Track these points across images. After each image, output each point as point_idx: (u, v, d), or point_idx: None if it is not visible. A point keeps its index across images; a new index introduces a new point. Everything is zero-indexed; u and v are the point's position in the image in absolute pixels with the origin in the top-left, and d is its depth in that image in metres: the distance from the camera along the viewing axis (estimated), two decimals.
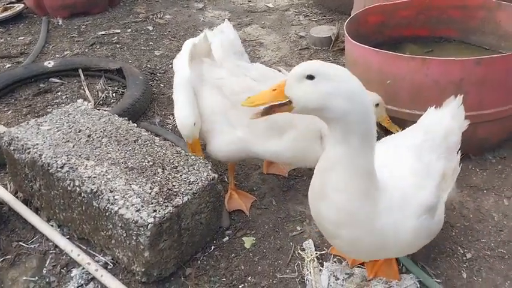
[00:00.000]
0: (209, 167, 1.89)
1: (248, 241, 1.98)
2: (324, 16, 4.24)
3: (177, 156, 1.95)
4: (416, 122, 2.27)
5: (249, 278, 1.80)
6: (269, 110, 1.31)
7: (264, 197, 2.22)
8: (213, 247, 1.94)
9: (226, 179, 2.31)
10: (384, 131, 2.17)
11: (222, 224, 2.03)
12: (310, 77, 1.24)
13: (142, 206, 1.68)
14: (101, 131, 2.09)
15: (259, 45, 3.80)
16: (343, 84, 1.24)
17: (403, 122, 2.34)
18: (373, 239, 1.43)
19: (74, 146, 1.97)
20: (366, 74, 2.37)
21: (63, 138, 2.03)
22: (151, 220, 1.63)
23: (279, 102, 1.29)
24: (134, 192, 1.74)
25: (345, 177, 1.34)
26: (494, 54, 2.13)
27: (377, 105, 2.03)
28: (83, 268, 1.85)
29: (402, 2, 2.73)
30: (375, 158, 1.38)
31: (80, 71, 3.32)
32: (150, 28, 4.14)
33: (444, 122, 1.81)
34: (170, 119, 2.84)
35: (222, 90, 1.98)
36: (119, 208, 1.68)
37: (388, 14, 2.77)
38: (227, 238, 1.99)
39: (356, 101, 1.25)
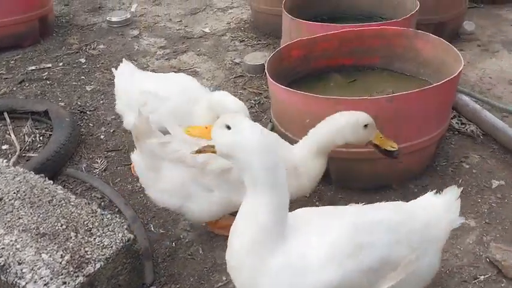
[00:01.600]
0: (125, 227, 1.86)
1: None
2: (259, 41, 4.27)
3: (92, 216, 1.90)
4: (336, 157, 2.34)
5: None
6: (202, 149, 1.49)
7: (192, 245, 2.20)
8: None
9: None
10: (381, 153, 2.07)
11: (145, 281, 1.99)
12: (229, 127, 1.42)
13: (51, 279, 1.63)
14: (14, 193, 2.02)
15: (194, 74, 3.77)
16: (251, 140, 1.37)
17: None
18: None
19: None
20: (287, 112, 2.41)
21: None
22: None
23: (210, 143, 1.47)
24: (44, 263, 1.68)
25: (244, 224, 1.42)
26: (405, 92, 2.19)
27: (366, 126, 1.99)
28: None
29: (323, 36, 2.78)
30: (284, 217, 1.42)
31: (6, 114, 3.20)
32: (83, 60, 4.05)
33: (433, 209, 1.65)
34: (98, 162, 2.78)
35: (184, 162, 1.95)
36: (27, 283, 1.62)
37: (310, 47, 2.80)
38: None
39: (260, 156, 1.36)
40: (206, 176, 1.96)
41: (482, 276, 1.96)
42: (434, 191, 1.73)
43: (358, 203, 2.24)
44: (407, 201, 2.30)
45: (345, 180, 2.43)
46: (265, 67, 2.49)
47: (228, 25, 4.67)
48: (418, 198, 1.74)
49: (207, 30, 4.57)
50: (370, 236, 1.47)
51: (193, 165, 1.94)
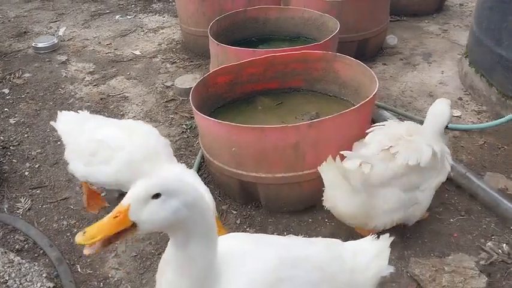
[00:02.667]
0: (44, 275, 1.80)
1: None
2: (191, 61, 4.27)
3: (9, 266, 1.83)
4: (264, 183, 2.39)
5: None
6: (110, 239, 1.22)
7: (120, 284, 2.16)
8: None
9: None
10: None
11: None
12: (156, 196, 1.21)
13: None
14: None
15: (123, 99, 3.72)
16: (188, 195, 1.25)
17: (252, 185, 2.43)
18: None
19: None
20: (214, 141, 2.42)
21: None
22: None
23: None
24: None
25: (180, 276, 1.35)
26: (323, 117, 2.27)
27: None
28: None
29: (247, 61, 2.82)
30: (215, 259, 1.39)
31: None
32: (6, 91, 3.88)
33: (363, 255, 1.63)
34: (21, 201, 2.67)
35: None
36: None
37: (236, 73, 2.84)
38: None
39: (198, 208, 1.27)
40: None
41: None
42: (373, 236, 1.71)
43: (289, 226, 2.32)
44: (333, 223, 2.42)
45: (274, 204, 2.48)
46: (190, 97, 2.50)
47: (159, 46, 4.64)
48: (351, 242, 1.72)
49: (137, 52, 4.52)
50: (293, 271, 1.48)
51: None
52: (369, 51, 4.14)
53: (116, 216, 1.20)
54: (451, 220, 2.41)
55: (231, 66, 2.80)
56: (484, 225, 2.37)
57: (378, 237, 1.68)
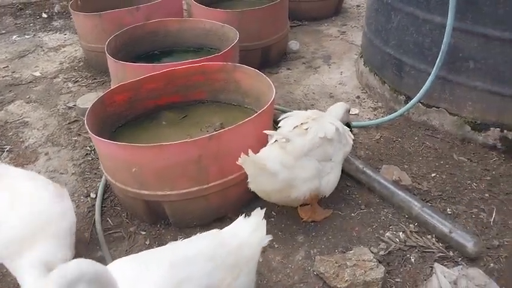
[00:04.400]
0: None
1: None
2: (95, 79, 4.14)
3: None
4: (169, 201, 2.38)
5: None
6: None
7: None
8: None
9: None
10: None
11: None
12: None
13: None
14: None
15: (23, 125, 3.53)
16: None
17: (158, 203, 2.41)
18: None
19: None
20: (114, 163, 2.37)
21: None
22: None
23: None
24: None
25: None
26: (222, 129, 2.31)
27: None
28: None
29: (145, 78, 2.80)
30: None
31: None
32: None
33: (243, 232, 1.81)
34: None
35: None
36: None
37: (135, 89, 2.81)
38: None
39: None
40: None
41: None
42: (243, 215, 1.90)
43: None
44: None
45: (183, 220, 2.47)
46: (85, 119, 2.42)
47: (61, 65, 4.46)
48: (228, 226, 1.89)
49: (37, 73, 4.31)
50: (187, 269, 1.58)
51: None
52: (273, 57, 4.26)
53: None
54: (352, 215, 2.54)
55: (129, 83, 2.76)
56: (382, 216, 2.52)
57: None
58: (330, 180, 2.37)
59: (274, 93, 2.57)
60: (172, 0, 4.15)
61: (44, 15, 5.70)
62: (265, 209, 1.92)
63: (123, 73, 3.02)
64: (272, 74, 4.16)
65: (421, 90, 2.99)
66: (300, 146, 2.26)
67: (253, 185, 2.26)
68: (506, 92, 2.80)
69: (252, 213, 1.90)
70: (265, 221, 1.86)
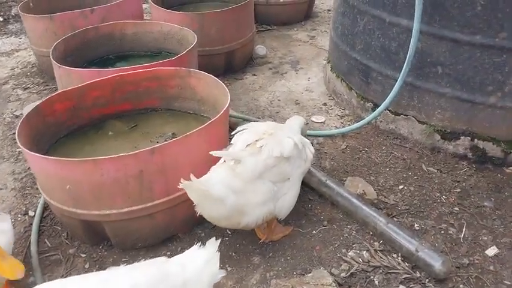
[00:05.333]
0: None
1: None
2: (47, 85, 3.88)
3: None
4: (109, 221, 2.14)
5: None
6: None
7: None
8: None
9: None
10: None
11: None
12: None
13: None
14: None
15: None
16: None
17: (96, 224, 2.18)
18: None
19: None
20: (47, 179, 2.14)
21: None
22: None
23: None
24: None
25: None
26: (166, 142, 2.09)
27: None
28: None
29: (89, 84, 2.56)
30: None
31: None
32: None
33: (191, 267, 1.57)
34: None
35: None
36: None
37: (78, 97, 2.57)
38: None
39: None
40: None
41: None
42: (198, 244, 1.67)
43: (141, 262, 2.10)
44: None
45: (126, 241, 2.23)
46: (17, 130, 2.18)
47: (12, 71, 4.18)
48: (178, 256, 1.66)
49: None
50: None
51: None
52: (238, 62, 4.07)
53: None
54: (314, 232, 2.35)
55: (70, 90, 2.52)
56: (346, 233, 2.33)
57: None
58: (286, 201, 2.11)
59: (229, 100, 2.37)
60: (131, 2, 3.92)
61: (0, 19, 5.40)
62: (220, 240, 1.68)
63: (67, 79, 2.78)
64: (237, 80, 3.96)
65: (388, 96, 2.82)
66: (252, 167, 2.00)
67: (199, 211, 1.99)
68: (476, 99, 2.66)
69: (207, 242, 1.66)
70: (219, 253, 1.63)
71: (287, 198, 2.12)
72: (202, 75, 2.66)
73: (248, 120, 3.09)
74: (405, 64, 2.71)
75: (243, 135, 2.16)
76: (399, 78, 2.75)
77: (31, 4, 4.00)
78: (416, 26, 2.58)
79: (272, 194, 2.05)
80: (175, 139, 2.08)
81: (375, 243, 2.26)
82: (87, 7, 3.77)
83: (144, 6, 4.33)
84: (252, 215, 2.02)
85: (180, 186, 1.86)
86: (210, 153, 2.02)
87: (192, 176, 1.85)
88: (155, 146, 2.03)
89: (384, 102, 2.84)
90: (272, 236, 2.28)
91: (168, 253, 2.26)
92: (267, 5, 4.99)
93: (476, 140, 2.75)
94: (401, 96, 2.89)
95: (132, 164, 2.01)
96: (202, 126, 2.17)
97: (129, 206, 2.10)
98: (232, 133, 2.23)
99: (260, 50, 4.36)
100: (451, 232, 2.32)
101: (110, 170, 1.99)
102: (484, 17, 2.45)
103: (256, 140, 2.09)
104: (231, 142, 2.19)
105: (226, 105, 2.33)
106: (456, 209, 2.47)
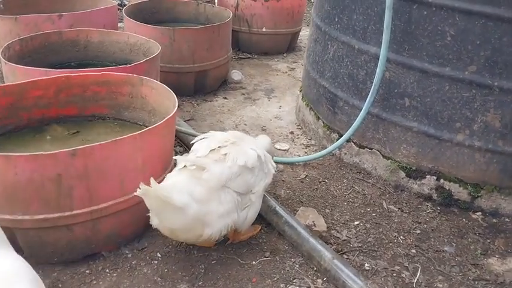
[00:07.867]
0: None
1: None
2: None
3: None
4: (21, 228, 1.91)
5: None
6: None
7: None
8: None
9: None
10: None
11: None
12: None
13: None
14: None
15: None
16: None
17: (7, 230, 1.93)
18: None
19: None
20: None
21: None
22: None
23: None
24: None
25: None
26: (92, 144, 1.88)
27: None
28: None
29: (29, 82, 2.38)
30: None
31: None
32: None
33: None
34: None
35: None
36: None
37: (17, 95, 2.38)
38: None
39: None
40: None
41: None
42: None
43: (58, 280, 1.87)
44: (115, 274, 2.00)
45: (40, 253, 1.99)
46: None
47: None
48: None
49: None
50: None
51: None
52: (209, 84, 3.93)
53: None
54: (253, 263, 2.11)
55: (9, 86, 2.34)
56: (287, 267, 2.10)
57: None
58: (248, 215, 2.02)
59: (176, 108, 2.20)
60: (103, 13, 3.80)
61: None
62: None
63: (13, 77, 2.60)
64: (206, 101, 3.81)
65: (352, 126, 2.66)
66: (218, 174, 1.89)
67: (155, 222, 1.84)
68: (443, 136, 2.50)
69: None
70: None
71: (250, 212, 2.02)
72: (154, 84, 2.50)
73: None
74: (370, 93, 2.56)
75: (205, 142, 2.05)
76: (364, 107, 2.60)
77: (1, 6, 3.87)
78: (383, 52, 2.45)
79: (236, 204, 1.94)
80: (101, 142, 1.88)
81: (318, 280, 2.03)
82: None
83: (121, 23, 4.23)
84: (215, 226, 1.88)
85: (138, 192, 1.69)
86: (174, 158, 1.94)
87: (152, 181, 1.68)
88: (77, 147, 1.82)
89: (347, 132, 2.68)
90: (239, 236, 2.14)
91: (87, 271, 2.01)
92: (250, 33, 4.91)
93: (442, 180, 2.57)
94: (366, 128, 2.73)
95: (49, 166, 1.80)
96: (137, 132, 1.97)
97: (44, 213, 1.87)
98: (193, 141, 2.11)
99: (235, 74, 4.23)
100: (404, 276, 2.10)
101: (25, 169, 1.77)
102: (454, 48, 2.33)
103: (219, 147, 1.98)
104: (191, 149, 2.08)
105: (171, 114, 2.15)
106: (413, 251, 2.25)
